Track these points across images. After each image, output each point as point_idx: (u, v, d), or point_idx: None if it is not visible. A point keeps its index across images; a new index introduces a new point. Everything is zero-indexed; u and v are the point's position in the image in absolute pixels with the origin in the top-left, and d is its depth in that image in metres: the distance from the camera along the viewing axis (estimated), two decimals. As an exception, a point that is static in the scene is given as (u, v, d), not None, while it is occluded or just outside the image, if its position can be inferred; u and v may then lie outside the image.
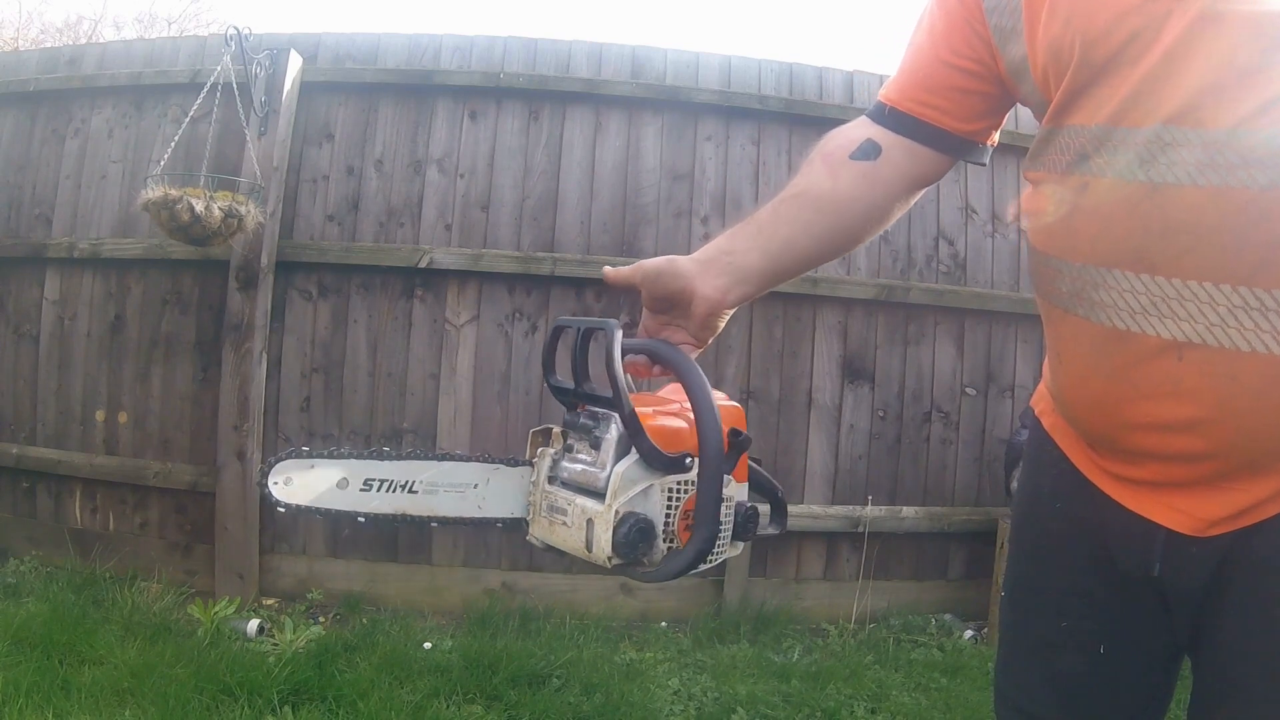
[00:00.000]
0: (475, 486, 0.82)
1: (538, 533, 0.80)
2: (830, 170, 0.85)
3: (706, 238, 2.85)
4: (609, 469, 0.73)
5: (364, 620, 2.58)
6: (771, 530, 0.88)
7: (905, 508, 2.89)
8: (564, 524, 0.76)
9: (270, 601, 2.74)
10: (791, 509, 2.78)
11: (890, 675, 2.40)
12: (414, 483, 0.80)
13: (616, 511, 0.71)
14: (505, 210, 2.85)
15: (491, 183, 2.85)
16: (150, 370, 2.88)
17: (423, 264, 2.77)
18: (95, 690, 1.97)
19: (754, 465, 0.84)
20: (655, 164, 2.86)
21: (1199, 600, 0.73)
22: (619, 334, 0.74)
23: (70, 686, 1.98)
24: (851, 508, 2.86)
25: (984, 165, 0.90)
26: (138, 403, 2.89)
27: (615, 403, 0.73)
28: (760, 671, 2.38)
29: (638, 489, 0.72)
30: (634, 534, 0.71)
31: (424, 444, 2.81)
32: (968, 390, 2.96)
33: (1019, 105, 0.84)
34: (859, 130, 0.86)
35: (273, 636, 2.43)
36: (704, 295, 0.80)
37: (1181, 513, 0.71)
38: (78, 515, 2.92)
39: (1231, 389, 0.63)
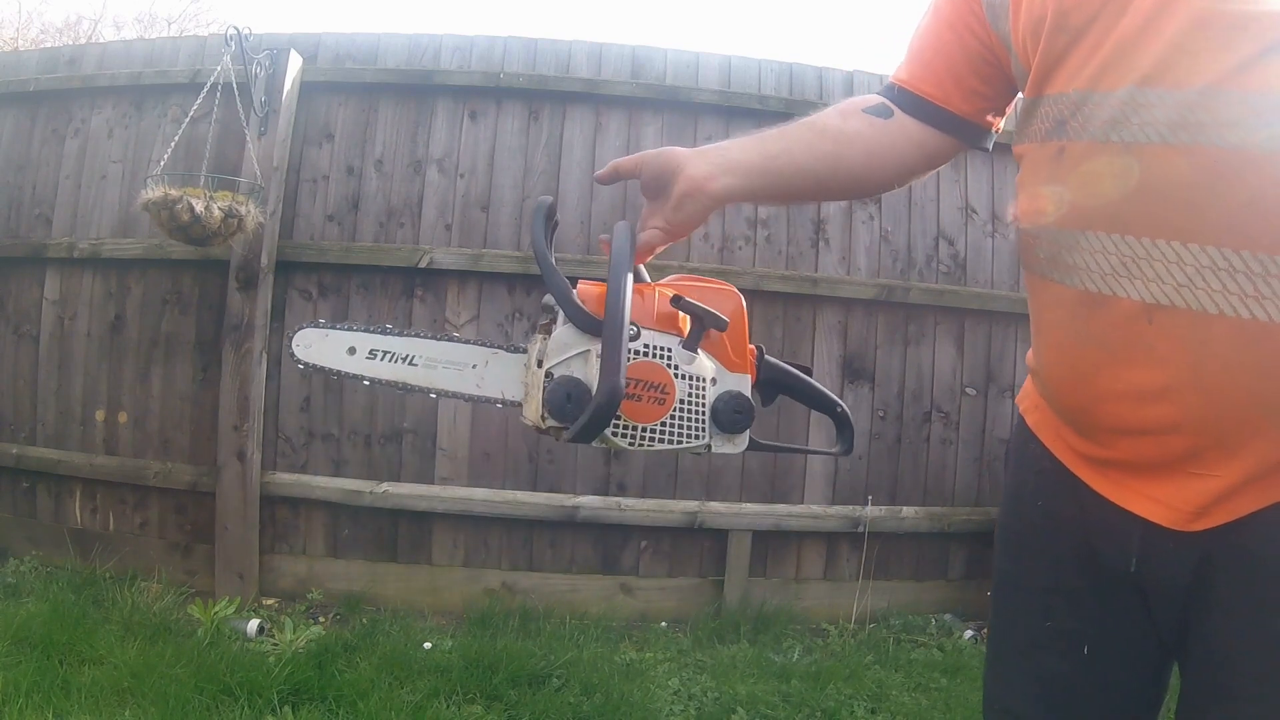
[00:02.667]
0: (474, 367, 0.86)
1: (525, 412, 0.82)
2: (841, 113, 0.88)
3: (706, 238, 2.86)
4: (558, 337, 0.77)
5: (364, 620, 2.58)
6: (834, 451, 0.89)
7: (905, 508, 2.89)
8: (531, 397, 0.79)
9: (270, 601, 2.74)
10: (791, 509, 2.82)
11: (890, 675, 2.40)
12: (414, 357, 0.86)
13: (549, 374, 0.75)
14: (505, 210, 2.85)
15: (491, 183, 2.85)
16: (150, 370, 2.88)
17: (423, 264, 2.77)
18: (95, 690, 1.97)
19: (806, 377, 0.87)
20: (655, 164, 2.86)
21: (1181, 601, 0.72)
22: (543, 209, 0.80)
23: (70, 686, 1.98)
24: (851, 508, 2.86)
25: (986, 150, 0.92)
26: (138, 403, 2.89)
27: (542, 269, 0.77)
28: (760, 671, 2.38)
29: (572, 353, 0.75)
30: (561, 394, 0.73)
31: (425, 445, 2.81)
32: (968, 390, 2.96)
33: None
34: (874, 98, 0.90)
35: (273, 636, 2.43)
36: (688, 174, 0.83)
37: (1158, 503, 0.70)
38: (78, 515, 2.92)
39: (1201, 354, 0.63)
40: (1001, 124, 0.90)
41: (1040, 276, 0.75)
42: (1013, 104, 0.89)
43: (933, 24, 0.86)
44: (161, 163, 2.51)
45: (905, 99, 0.87)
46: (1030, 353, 0.86)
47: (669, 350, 0.76)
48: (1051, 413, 0.82)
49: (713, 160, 0.83)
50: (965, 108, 0.86)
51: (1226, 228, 0.60)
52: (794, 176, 0.86)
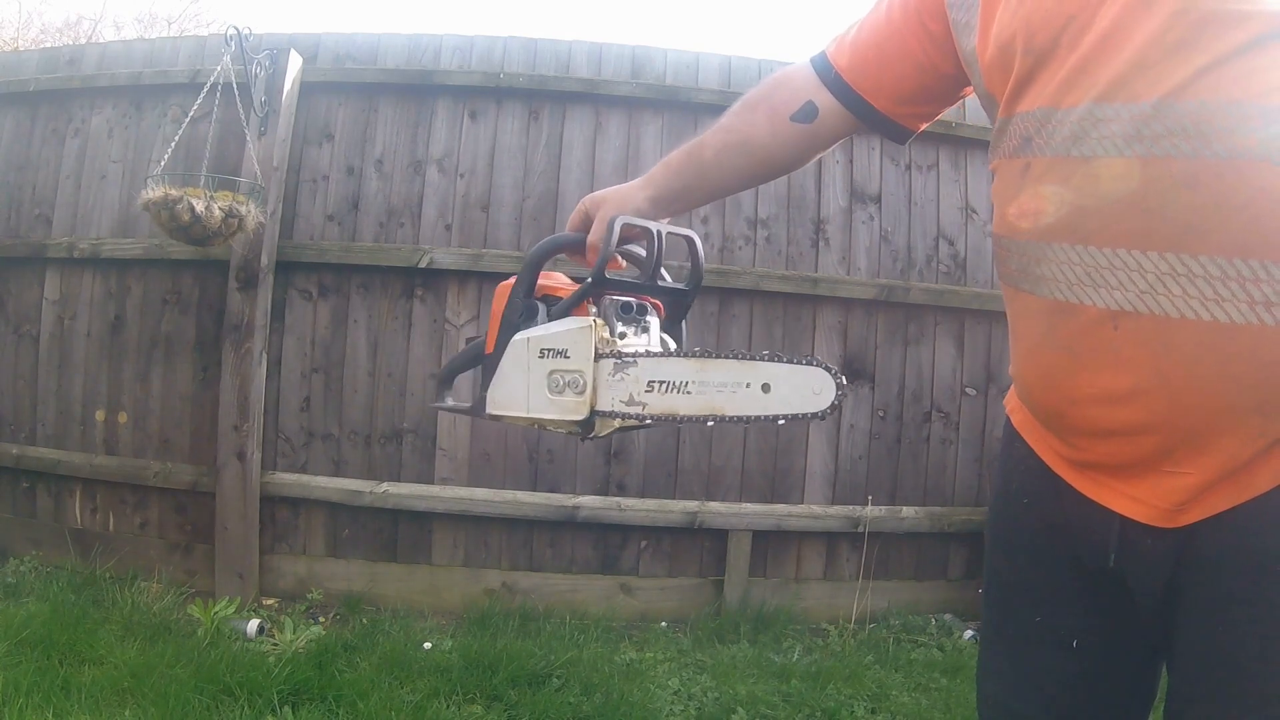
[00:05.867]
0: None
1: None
2: (772, 127, 0.96)
3: (706, 238, 2.86)
4: (656, 345, 0.89)
5: (364, 620, 2.58)
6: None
7: (905, 508, 2.89)
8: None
9: (270, 601, 2.74)
10: (791, 509, 2.82)
11: (890, 675, 2.40)
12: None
13: None
14: (505, 210, 2.85)
15: (491, 183, 2.85)
16: (150, 370, 2.88)
17: (423, 264, 2.77)
18: (95, 690, 1.97)
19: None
20: (655, 163, 2.86)
21: (1162, 598, 0.73)
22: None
23: (70, 686, 1.98)
24: (851, 508, 2.86)
25: (901, 145, 1.01)
26: (138, 403, 2.89)
27: (692, 294, 0.91)
28: (760, 671, 2.38)
29: None
30: None
31: (425, 445, 2.81)
32: (968, 390, 2.96)
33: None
34: (804, 84, 0.95)
35: (273, 636, 2.43)
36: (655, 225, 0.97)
37: (1136, 500, 0.72)
38: (78, 515, 2.92)
39: (1167, 357, 0.65)
40: (925, 127, 0.97)
41: (1013, 286, 0.78)
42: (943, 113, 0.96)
43: (885, 28, 0.90)
44: (161, 163, 2.51)
45: (841, 90, 0.93)
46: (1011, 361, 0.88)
47: None
48: (1024, 401, 0.84)
49: (668, 206, 0.98)
50: (896, 110, 0.93)
51: (1184, 234, 0.62)
52: (724, 195, 1.05)
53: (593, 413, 0.83)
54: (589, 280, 0.86)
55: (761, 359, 0.79)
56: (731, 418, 0.79)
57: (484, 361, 0.92)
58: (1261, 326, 0.61)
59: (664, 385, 0.81)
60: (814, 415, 0.77)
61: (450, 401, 1.02)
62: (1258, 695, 0.66)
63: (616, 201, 0.95)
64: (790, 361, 0.78)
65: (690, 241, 0.93)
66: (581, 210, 0.97)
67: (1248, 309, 0.61)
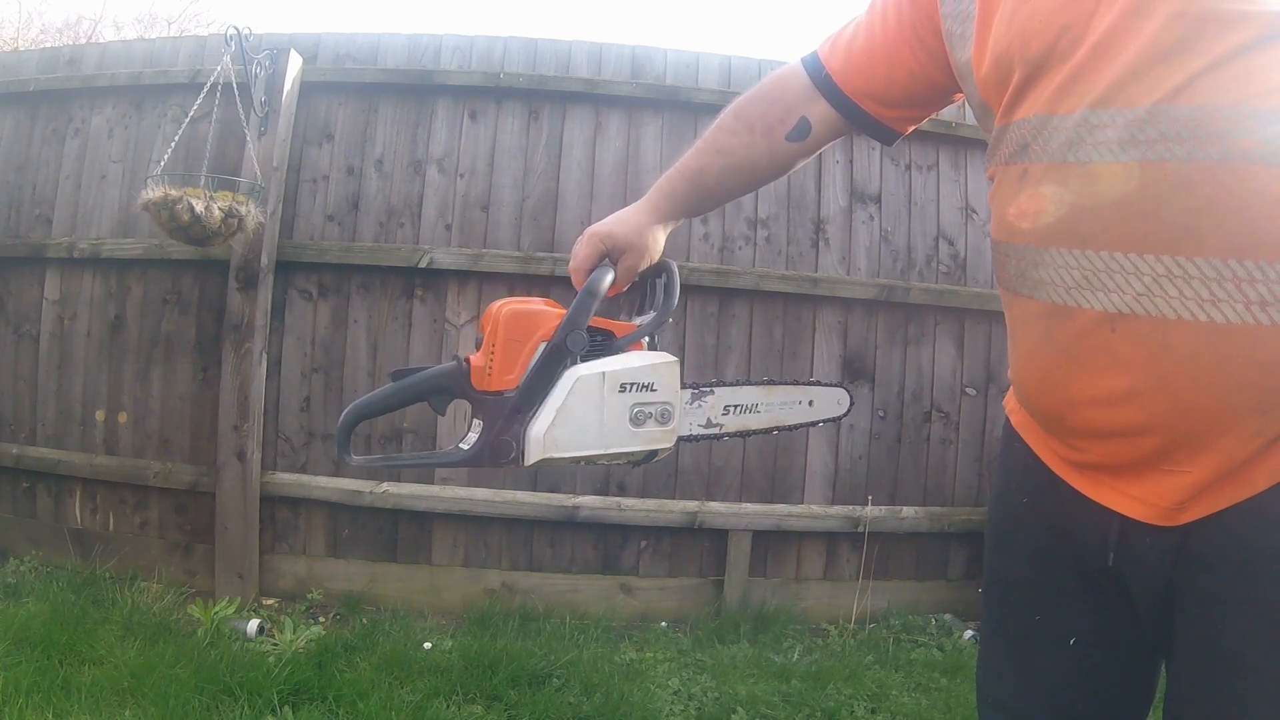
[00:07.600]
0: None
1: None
2: (770, 148, 1.00)
3: (706, 238, 2.86)
4: None
5: (364, 620, 2.58)
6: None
7: (905, 508, 2.89)
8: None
9: (270, 601, 2.74)
10: (791, 509, 2.82)
11: (890, 675, 2.40)
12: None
13: None
14: (505, 210, 2.85)
15: (491, 183, 2.85)
16: (150, 370, 2.88)
17: (423, 264, 2.77)
18: (95, 690, 1.97)
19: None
20: (655, 164, 2.86)
21: (1161, 596, 0.74)
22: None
23: (70, 686, 1.98)
24: (851, 508, 2.86)
25: (889, 146, 1.04)
26: (138, 403, 2.89)
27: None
28: (760, 671, 2.38)
29: None
30: None
31: (425, 445, 2.81)
32: (968, 390, 2.96)
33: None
34: (797, 94, 0.98)
35: (273, 636, 2.43)
36: (660, 245, 1.08)
37: (1136, 500, 0.72)
38: (78, 515, 2.92)
39: (1165, 358, 0.65)
40: (912, 129, 1.00)
41: (1012, 291, 0.78)
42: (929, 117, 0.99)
43: (879, 34, 0.91)
44: (161, 163, 2.51)
45: (832, 92, 0.96)
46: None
47: None
48: (1023, 404, 0.84)
49: (672, 220, 1.07)
50: (884, 114, 0.95)
51: (1180, 236, 0.62)
52: (725, 203, 1.13)
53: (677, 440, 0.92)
54: (652, 321, 0.96)
55: (809, 384, 1.05)
56: (790, 426, 1.00)
57: (496, 401, 0.83)
58: (1258, 326, 0.61)
59: (739, 407, 0.96)
60: (838, 418, 1.05)
61: (355, 456, 0.85)
62: (1256, 694, 0.66)
63: (636, 244, 1.01)
64: (823, 385, 1.05)
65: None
66: (598, 249, 1.01)
67: (1244, 309, 0.61)
